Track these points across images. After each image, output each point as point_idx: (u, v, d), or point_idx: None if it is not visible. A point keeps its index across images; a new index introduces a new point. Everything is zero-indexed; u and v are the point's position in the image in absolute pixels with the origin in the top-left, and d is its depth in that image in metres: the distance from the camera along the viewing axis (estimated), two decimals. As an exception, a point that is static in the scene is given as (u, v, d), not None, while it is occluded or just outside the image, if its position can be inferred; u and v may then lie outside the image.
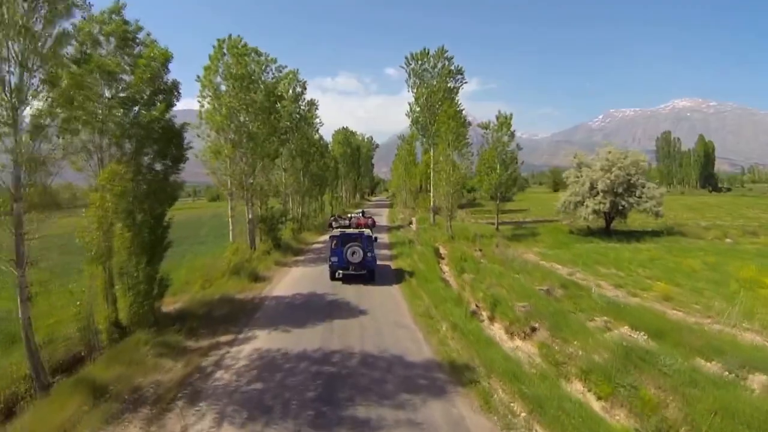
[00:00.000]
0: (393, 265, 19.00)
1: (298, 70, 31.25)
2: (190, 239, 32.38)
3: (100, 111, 11.05)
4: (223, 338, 10.44)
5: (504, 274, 15.09)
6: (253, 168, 21.29)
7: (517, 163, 30.26)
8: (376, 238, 17.07)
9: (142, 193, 11.03)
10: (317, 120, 34.75)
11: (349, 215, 18.78)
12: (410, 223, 38.66)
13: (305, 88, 31.85)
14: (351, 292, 14.56)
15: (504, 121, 29.70)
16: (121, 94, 11.31)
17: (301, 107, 31.94)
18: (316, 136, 36.97)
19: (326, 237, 28.67)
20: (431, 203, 37.22)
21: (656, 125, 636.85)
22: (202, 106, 20.15)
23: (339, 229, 16.73)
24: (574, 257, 21.09)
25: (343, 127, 63.15)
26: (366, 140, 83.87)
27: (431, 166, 36.34)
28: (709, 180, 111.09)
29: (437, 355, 9.09)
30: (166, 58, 11.49)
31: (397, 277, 16.73)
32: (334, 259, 15.83)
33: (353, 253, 15.35)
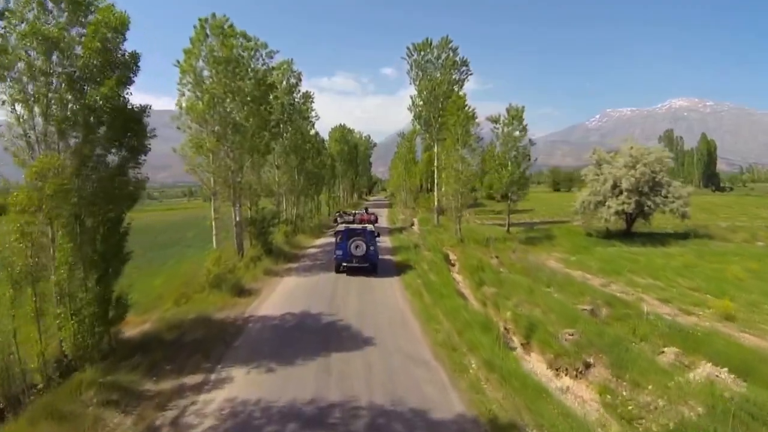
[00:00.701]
0: (399, 275, 16.65)
1: (292, 59, 29.00)
2: (180, 243, 29.99)
3: (47, 90, 8.89)
4: (190, 379, 8.11)
5: (534, 289, 12.74)
6: (241, 164, 18.95)
7: (530, 159, 27.84)
8: (378, 234, 17.52)
9: (90, 192, 8.75)
10: (313, 113, 32.25)
11: (353, 212, 19.92)
12: (412, 224, 36.45)
13: (300, 80, 29.49)
14: (352, 310, 12.23)
15: (515, 114, 27.33)
16: (69, 69, 9.06)
17: (296, 99, 29.55)
18: (313, 132, 34.53)
19: (323, 240, 27.39)
20: (435, 203, 34.94)
21: (654, 125, 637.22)
22: (183, 94, 17.83)
23: (344, 225, 17.25)
24: (602, 264, 18.78)
25: (341, 125, 60.67)
26: (364, 139, 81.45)
27: (435, 163, 34.07)
28: (711, 179, 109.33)
29: (472, 408, 6.77)
30: (122, 23, 9.15)
31: (406, 291, 14.39)
32: (339, 252, 16.53)
33: (357, 246, 16.05)
